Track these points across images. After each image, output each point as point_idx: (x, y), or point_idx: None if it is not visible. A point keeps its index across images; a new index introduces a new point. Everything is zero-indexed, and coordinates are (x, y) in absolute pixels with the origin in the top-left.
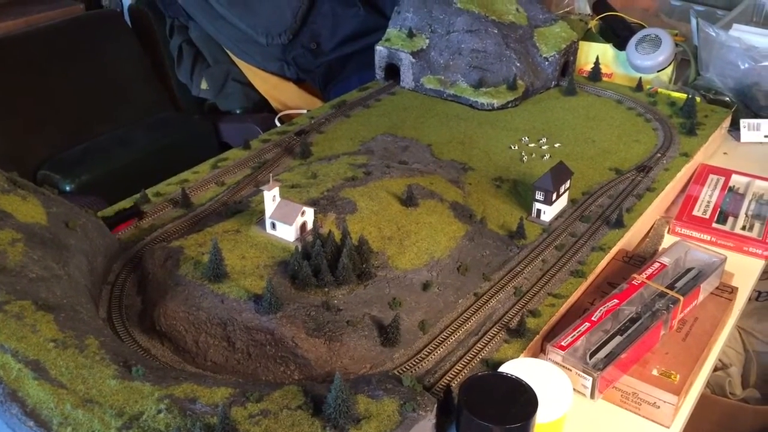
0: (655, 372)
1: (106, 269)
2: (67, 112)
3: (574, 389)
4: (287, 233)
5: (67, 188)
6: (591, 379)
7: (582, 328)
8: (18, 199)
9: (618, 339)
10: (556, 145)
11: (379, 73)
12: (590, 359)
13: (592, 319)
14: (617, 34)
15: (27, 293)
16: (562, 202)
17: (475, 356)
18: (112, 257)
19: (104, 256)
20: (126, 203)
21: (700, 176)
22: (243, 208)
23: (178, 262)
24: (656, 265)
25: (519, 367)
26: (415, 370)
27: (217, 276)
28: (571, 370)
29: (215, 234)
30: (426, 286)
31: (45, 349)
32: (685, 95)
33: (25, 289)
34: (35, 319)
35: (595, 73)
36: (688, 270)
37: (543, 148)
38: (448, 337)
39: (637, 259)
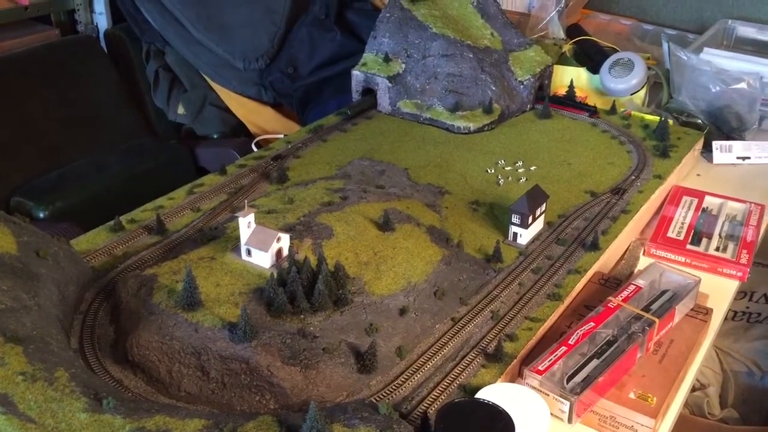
0: (632, 395)
1: (78, 298)
2: (41, 137)
3: (551, 414)
4: (263, 260)
5: (41, 215)
6: (568, 403)
7: (559, 352)
8: None
9: (595, 362)
10: (532, 168)
11: (356, 98)
12: (567, 383)
13: (569, 342)
14: (591, 57)
15: None
16: (538, 225)
17: (452, 382)
18: (85, 286)
19: (76, 284)
20: None
21: (674, 198)
22: (218, 235)
23: (152, 291)
24: (631, 287)
25: (496, 392)
26: (391, 397)
27: (191, 304)
28: (548, 395)
29: (190, 261)
30: (403, 312)
31: (13, 383)
32: (658, 118)
33: None
34: (3, 352)
35: (570, 97)
36: (663, 292)
37: (519, 171)
38: (425, 362)
39: (613, 282)
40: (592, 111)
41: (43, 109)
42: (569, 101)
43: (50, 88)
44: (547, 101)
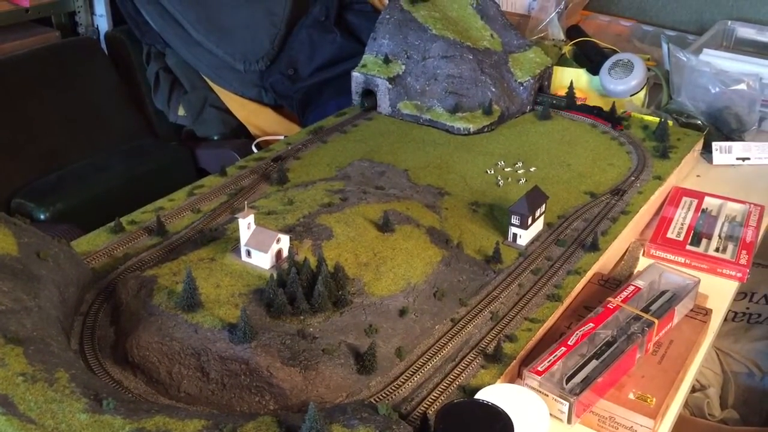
0: (631, 396)
1: (78, 300)
2: (42, 139)
3: (551, 414)
4: (262, 261)
5: (42, 216)
6: (568, 404)
7: (558, 353)
8: None
9: (594, 363)
10: (532, 169)
11: (356, 99)
12: (567, 384)
13: (569, 343)
14: (590, 59)
15: None
16: (537, 226)
17: (451, 383)
18: (85, 287)
19: (77, 286)
20: None
21: (673, 199)
22: (218, 236)
23: (152, 292)
24: (631, 288)
25: (496, 393)
26: (391, 398)
27: (191, 305)
28: (547, 396)
29: (190, 262)
30: (402, 313)
31: (13, 384)
32: (658, 119)
33: None
34: (4, 353)
35: (570, 98)
36: (663, 293)
37: (519, 172)
38: (424, 363)
39: (612, 282)
40: (616, 122)
41: (44, 111)
42: (593, 110)
43: (51, 90)
44: (546, 105)
